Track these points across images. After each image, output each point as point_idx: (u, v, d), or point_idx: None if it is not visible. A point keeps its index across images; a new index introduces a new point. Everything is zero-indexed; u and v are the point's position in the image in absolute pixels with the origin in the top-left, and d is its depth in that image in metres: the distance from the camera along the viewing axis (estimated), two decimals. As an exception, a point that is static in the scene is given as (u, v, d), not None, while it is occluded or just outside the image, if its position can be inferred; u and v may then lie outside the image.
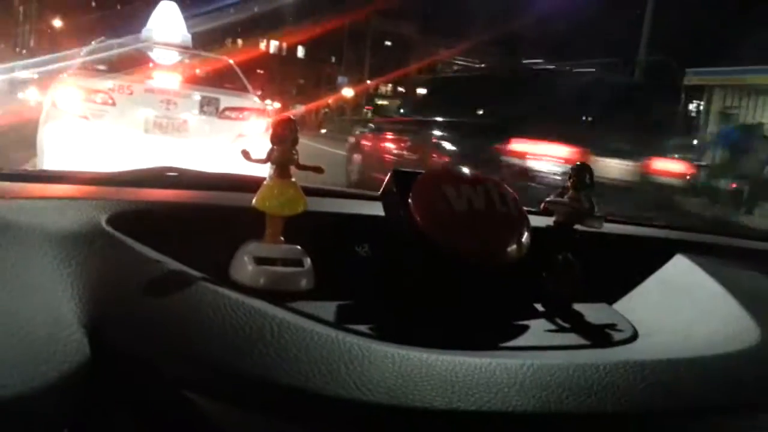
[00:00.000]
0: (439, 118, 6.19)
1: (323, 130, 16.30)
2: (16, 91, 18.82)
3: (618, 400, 0.59)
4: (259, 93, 5.90)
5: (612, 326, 0.83)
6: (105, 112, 4.43)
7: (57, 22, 44.50)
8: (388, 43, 45.78)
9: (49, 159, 4.33)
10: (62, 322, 0.54)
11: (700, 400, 0.63)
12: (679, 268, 0.97)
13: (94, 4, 42.14)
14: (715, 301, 0.85)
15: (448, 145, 5.84)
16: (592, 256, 0.90)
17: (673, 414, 0.62)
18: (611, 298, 0.93)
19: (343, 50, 38.90)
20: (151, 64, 5.43)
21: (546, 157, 4.81)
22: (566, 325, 0.82)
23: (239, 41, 40.85)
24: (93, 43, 5.77)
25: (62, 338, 0.52)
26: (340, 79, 38.26)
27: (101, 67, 5.18)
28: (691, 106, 16.46)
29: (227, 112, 4.77)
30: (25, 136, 5.35)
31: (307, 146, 0.78)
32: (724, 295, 0.85)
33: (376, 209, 0.88)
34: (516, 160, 4.92)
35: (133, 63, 5.15)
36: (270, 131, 0.77)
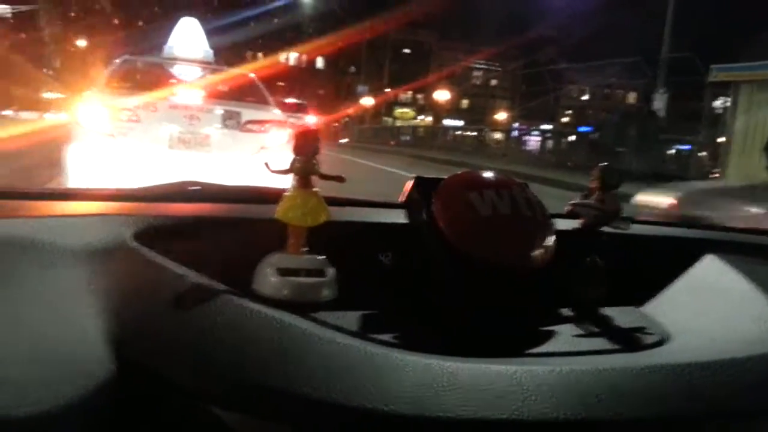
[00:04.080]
0: None
1: (343, 140, 16.48)
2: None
3: (650, 405, 0.58)
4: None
5: (641, 330, 0.81)
6: (130, 129, 4.49)
7: (81, 42, 45.45)
8: (407, 50, 45.90)
9: (75, 177, 4.41)
10: (87, 339, 0.54)
11: (734, 404, 0.62)
12: (709, 268, 0.95)
13: (116, 22, 42.92)
14: (747, 301, 0.83)
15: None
16: (620, 259, 0.89)
17: (707, 418, 0.60)
18: (640, 300, 0.91)
19: (362, 60, 39.06)
20: (173, 81, 5.52)
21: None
22: (594, 329, 0.80)
23: (259, 54, 41.27)
24: (116, 61, 5.88)
25: (87, 355, 0.52)
26: (360, 88, 38.39)
27: (125, 85, 5.27)
28: (717, 103, 16.17)
29: (249, 125, 4.82)
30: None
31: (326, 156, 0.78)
32: (756, 296, 0.83)
33: (399, 217, 0.87)
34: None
35: (156, 80, 5.24)
36: (291, 142, 0.77)
